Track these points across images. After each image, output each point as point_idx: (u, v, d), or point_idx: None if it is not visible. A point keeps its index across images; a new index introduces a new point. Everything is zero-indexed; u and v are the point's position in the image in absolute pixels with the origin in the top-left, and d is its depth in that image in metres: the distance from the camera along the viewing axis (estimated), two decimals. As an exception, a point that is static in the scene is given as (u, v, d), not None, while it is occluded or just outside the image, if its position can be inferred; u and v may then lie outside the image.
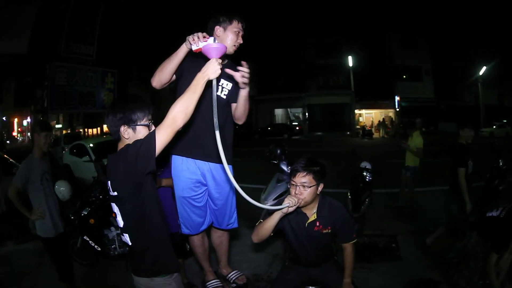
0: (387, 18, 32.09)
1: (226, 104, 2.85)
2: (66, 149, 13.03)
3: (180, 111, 1.86)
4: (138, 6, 24.53)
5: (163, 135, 1.84)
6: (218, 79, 2.04)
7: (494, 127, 27.28)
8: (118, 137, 2.02)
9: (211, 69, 1.98)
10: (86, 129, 35.20)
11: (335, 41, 32.92)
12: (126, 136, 1.98)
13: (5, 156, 8.82)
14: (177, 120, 1.86)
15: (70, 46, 16.58)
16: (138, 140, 1.88)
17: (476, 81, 31.35)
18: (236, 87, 2.72)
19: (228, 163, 2.10)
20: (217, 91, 2.14)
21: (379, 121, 33.93)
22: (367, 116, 36.67)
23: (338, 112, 34.35)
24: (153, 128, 2.00)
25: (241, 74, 2.43)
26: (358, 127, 33.83)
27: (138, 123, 1.98)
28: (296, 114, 38.11)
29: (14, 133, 41.21)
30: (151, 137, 1.84)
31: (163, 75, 2.58)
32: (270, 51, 31.82)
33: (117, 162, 1.90)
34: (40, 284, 4.15)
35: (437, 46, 31.30)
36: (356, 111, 35.02)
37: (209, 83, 2.01)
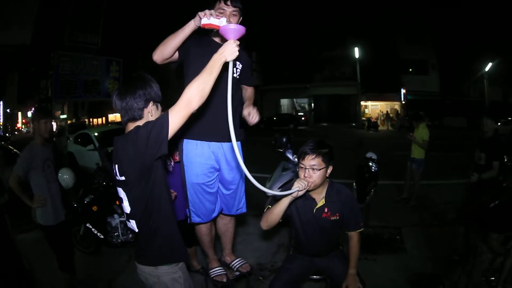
0: (394, 11, 31.76)
1: (238, 84, 2.81)
2: (71, 138, 13.04)
3: (196, 93, 1.78)
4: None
5: (177, 118, 1.76)
6: (234, 61, 1.97)
7: (499, 124, 27.02)
8: (139, 116, 1.92)
9: (229, 51, 1.89)
10: (91, 119, 35.22)
11: (342, 33, 32.54)
12: (151, 114, 1.93)
13: (8, 146, 8.85)
14: (192, 102, 1.78)
15: (74, 35, 16.50)
16: (149, 121, 1.81)
17: (481, 77, 31.08)
18: (246, 68, 2.69)
19: (238, 140, 2.08)
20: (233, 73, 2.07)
21: (383, 113, 33.90)
22: (373, 108, 36.50)
23: (344, 104, 34.26)
24: (160, 109, 1.96)
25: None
26: (363, 119, 33.68)
27: (160, 100, 1.95)
28: (302, 104, 37.90)
29: (19, 125, 41.40)
30: (164, 119, 1.76)
31: (166, 49, 2.52)
32: (276, 41, 31.65)
33: (126, 145, 1.84)
34: (40, 274, 4.13)
35: (443, 40, 30.96)
36: (362, 103, 34.83)
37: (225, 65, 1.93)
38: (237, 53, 1.93)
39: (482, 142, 4.46)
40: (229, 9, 2.52)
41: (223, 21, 2.17)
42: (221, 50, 1.90)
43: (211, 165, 2.80)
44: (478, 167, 4.43)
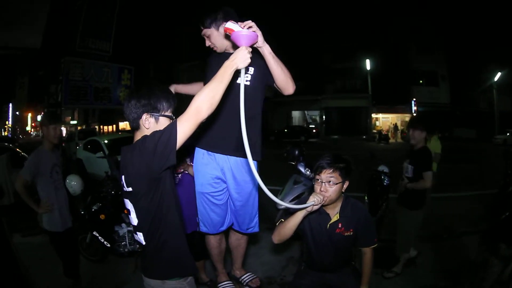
0: (404, 23, 31.86)
1: (250, 93, 2.58)
2: (80, 145, 13.11)
3: (205, 101, 1.71)
4: (155, 5, 24.69)
5: (186, 127, 1.69)
6: (246, 69, 1.91)
7: (508, 134, 26.80)
8: (137, 126, 1.88)
9: (240, 57, 1.83)
10: (101, 126, 35.42)
11: (353, 45, 32.71)
12: (146, 126, 1.85)
13: (16, 149, 8.89)
14: (202, 111, 1.71)
15: (86, 41, 16.65)
16: (157, 131, 1.74)
17: (490, 87, 31.03)
18: (259, 69, 2.54)
19: (254, 159, 1.96)
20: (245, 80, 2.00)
21: (393, 125, 33.77)
22: (384, 120, 36.47)
23: (354, 116, 34.30)
24: (161, 123, 1.88)
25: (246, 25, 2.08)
26: (374, 131, 33.62)
27: (162, 113, 1.86)
28: (313, 116, 37.93)
29: (28, 128, 41.80)
30: (172, 128, 1.69)
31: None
32: (287, 54, 31.77)
33: (132, 155, 1.78)
34: (44, 278, 4.10)
35: (453, 51, 30.98)
36: (373, 115, 34.88)
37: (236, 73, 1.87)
38: (249, 61, 1.86)
39: (410, 154, 4.35)
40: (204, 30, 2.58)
41: (244, 30, 2.02)
42: (232, 57, 1.85)
43: (216, 176, 2.74)
44: (407, 178, 4.32)
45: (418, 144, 4.20)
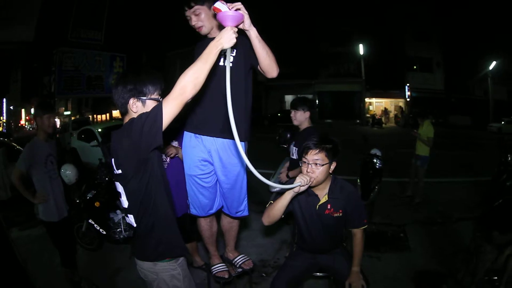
0: (400, 9, 31.73)
1: (235, 74, 2.52)
2: (74, 135, 13.05)
3: (190, 81, 1.72)
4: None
5: (171, 107, 1.71)
6: (231, 49, 1.91)
7: (503, 122, 26.95)
8: (125, 111, 1.90)
9: (226, 38, 1.83)
10: (94, 115, 35.18)
11: (347, 30, 32.56)
12: (134, 110, 1.87)
13: (12, 143, 8.86)
14: (186, 91, 1.72)
15: (77, 31, 16.44)
16: (143, 113, 1.76)
17: (486, 75, 31.11)
18: (244, 51, 2.51)
19: (241, 140, 1.97)
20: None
21: (382, 110, 34.02)
22: (377, 105, 36.47)
23: (348, 100, 34.25)
24: (148, 105, 1.90)
25: (234, 7, 2.02)
26: (368, 115, 33.65)
27: (148, 97, 1.88)
28: (307, 101, 37.77)
29: (22, 122, 41.45)
30: (157, 109, 1.71)
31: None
32: (281, 38, 31.59)
33: (121, 138, 1.80)
34: (42, 270, 4.13)
35: (448, 38, 31.00)
36: (366, 100, 34.84)
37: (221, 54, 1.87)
38: (235, 41, 1.86)
39: (295, 136, 4.33)
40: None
41: (229, 11, 1.97)
42: (218, 37, 1.85)
43: (202, 158, 2.75)
44: (293, 160, 4.29)
45: (302, 125, 4.10)
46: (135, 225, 1.94)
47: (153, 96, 1.89)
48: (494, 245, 3.34)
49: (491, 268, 3.37)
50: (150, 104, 1.87)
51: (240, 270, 3.12)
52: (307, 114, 4.06)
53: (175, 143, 3.45)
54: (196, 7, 2.51)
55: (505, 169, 4.56)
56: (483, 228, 3.61)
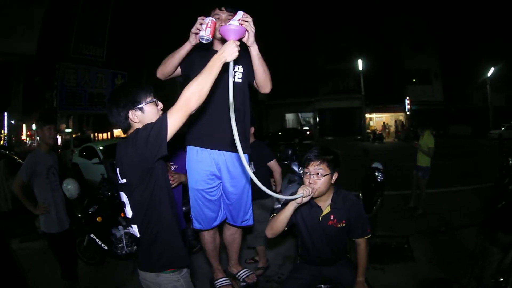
0: (396, 22, 32.05)
1: (242, 89, 2.71)
2: (76, 152, 13.09)
3: (194, 93, 1.78)
4: (147, 10, 24.69)
5: (176, 118, 1.75)
6: (234, 63, 1.95)
7: (503, 128, 27.05)
8: (128, 126, 1.94)
9: (229, 51, 1.89)
10: (96, 133, 35.28)
11: (345, 46, 32.86)
12: (136, 120, 1.91)
13: (13, 156, 8.89)
14: (191, 102, 1.77)
15: (80, 47, 16.57)
16: (148, 123, 1.81)
17: (484, 83, 31.26)
18: (248, 67, 2.61)
19: (245, 152, 2.00)
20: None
21: (382, 125, 34.16)
22: (378, 120, 36.61)
23: (348, 117, 34.30)
24: (160, 105, 1.96)
25: (241, 20, 2.12)
26: (368, 131, 33.72)
27: (144, 102, 1.92)
28: (307, 118, 37.94)
29: (23, 137, 41.54)
30: (162, 119, 1.76)
31: (166, 68, 2.61)
32: (280, 56, 31.81)
33: (126, 147, 1.84)
34: (43, 281, 4.11)
35: (445, 48, 31.27)
36: (367, 115, 34.94)
37: (225, 67, 1.91)
38: (237, 54, 1.91)
39: None
40: (223, 14, 2.54)
41: (232, 24, 2.04)
42: (221, 50, 1.90)
43: (211, 172, 2.76)
44: None
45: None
46: (138, 235, 1.95)
47: (147, 100, 1.94)
48: (499, 246, 3.34)
49: (497, 270, 3.35)
50: (148, 109, 1.93)
51: (243, 284, 3.10)
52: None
53: (173, 167, 3.42)
54: (221, 14, 2.56)
55: (507, 173, 4.56)
56: (487, 230, 3.61)
